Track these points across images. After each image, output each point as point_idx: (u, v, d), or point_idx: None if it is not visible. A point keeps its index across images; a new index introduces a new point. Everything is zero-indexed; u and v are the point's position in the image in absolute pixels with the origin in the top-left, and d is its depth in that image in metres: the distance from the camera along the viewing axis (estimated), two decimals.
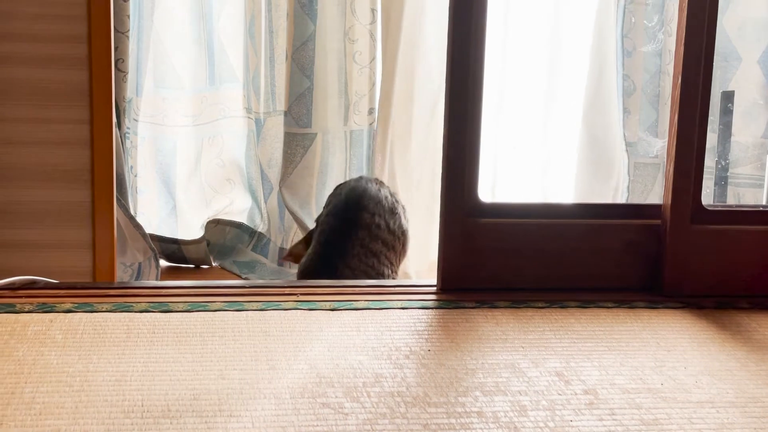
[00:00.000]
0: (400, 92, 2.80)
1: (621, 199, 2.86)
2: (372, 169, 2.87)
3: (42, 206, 2.11)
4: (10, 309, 1.74)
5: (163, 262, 2.89)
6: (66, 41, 2.09)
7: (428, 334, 1.72)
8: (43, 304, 1.77)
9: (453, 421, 1.39)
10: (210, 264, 2.92)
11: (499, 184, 3.03)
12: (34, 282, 1.90)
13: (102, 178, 2.14)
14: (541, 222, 2.00)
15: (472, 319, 1.81)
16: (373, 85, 2.89)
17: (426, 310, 1.84)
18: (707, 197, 2.67)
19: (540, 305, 1.89)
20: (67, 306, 1.76)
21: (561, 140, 2.98)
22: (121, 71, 2.52)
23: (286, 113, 2.84)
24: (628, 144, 2.87)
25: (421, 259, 2.90)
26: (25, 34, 2.07)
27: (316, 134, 2.85)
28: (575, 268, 2.00)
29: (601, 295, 1.95)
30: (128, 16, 2.52)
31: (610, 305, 1.90)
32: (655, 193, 2.92)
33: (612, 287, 2.00)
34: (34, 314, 1.72)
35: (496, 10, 2.82)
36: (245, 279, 2.81)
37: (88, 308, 1.76)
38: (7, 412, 1.34)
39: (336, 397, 1.44)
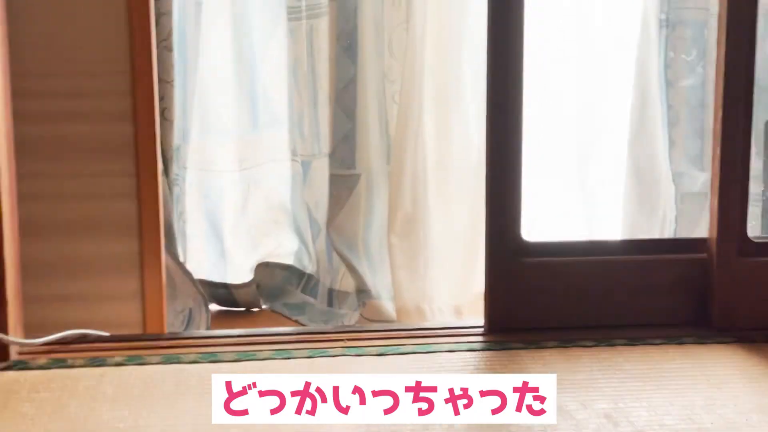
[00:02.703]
0: (436, 130, 2.79)
1: (669, 230, 2.83)
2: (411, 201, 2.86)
3: (91, 259, 2.13)
4: (62, 364, 1.77)
5: (214, 306, 2.91)
6: (110, 96, 2.12)
7: (476, 377, 1.72)
8: (94, 358, 1.80)
9: None
10: (260, 307, 2.94)
11: (541, 218, 3.01)
12: (85, 336, 1.93)
13: (149, 229, 2.16)
14: (586, 260, 1.99)
15: (520, 361, 1.80)
16: None
17: (473, 353, 1.84)
18: (754, 229, 2.64)
19: (588, 344, 1.88)
20: (118, 359, 1.79)
21: (605, 173, 2.96)
22: (167, 120, 2.55)
23: (330, 155, 2.86)
24: (674, 174, 2.85)
25: (464, 294, 2.88)
26: (69, 91, 2.11)
27: (360, 175, 2.86)
28: (623, 305, 2.00)
29: (649, 331, 1.94)
30: (173, 66, 2.55)
31: (658, 341, 1.89)
32: (705, 222, 2.88)
33: (660, 322, 1.99)
34: (85, 369, 1.75)
35: (534, 42, 2.80)
36: (295, 321, 2.83)
37: (139, 361, 1.78)
38: None
39: None
